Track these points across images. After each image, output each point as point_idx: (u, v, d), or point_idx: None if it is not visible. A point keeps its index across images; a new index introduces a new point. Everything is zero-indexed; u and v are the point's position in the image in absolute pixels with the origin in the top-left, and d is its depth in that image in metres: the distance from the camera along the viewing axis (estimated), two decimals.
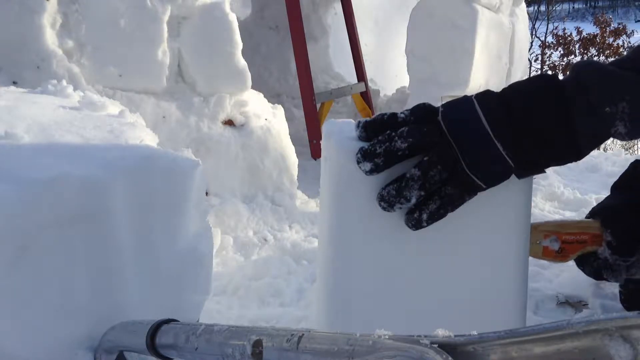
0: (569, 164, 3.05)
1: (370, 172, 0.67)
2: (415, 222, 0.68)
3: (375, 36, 4.72)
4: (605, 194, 2.39)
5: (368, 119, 0.70)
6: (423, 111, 0.70)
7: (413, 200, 0.67)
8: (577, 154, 0.69)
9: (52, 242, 0.63)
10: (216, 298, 1.42)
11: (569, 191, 2.35)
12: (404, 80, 3.42)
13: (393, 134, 0.67)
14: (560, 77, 0.71)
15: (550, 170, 2.66)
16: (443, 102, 0.72)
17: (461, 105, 0.69)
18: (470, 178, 0.67)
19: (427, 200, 0.68)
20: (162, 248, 0.77)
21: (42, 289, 0.63)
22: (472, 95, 0.70)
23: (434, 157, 0.66)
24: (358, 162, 0.67)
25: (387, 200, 0.67)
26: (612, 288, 1.35)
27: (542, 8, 9.79)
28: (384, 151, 0.66)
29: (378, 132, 0.68)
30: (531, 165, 0.69)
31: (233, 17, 2.08)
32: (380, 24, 4.92)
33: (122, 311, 0.70)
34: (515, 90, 0.69)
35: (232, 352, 0.53)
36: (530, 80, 0.70)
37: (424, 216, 0.68)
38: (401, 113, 0.70)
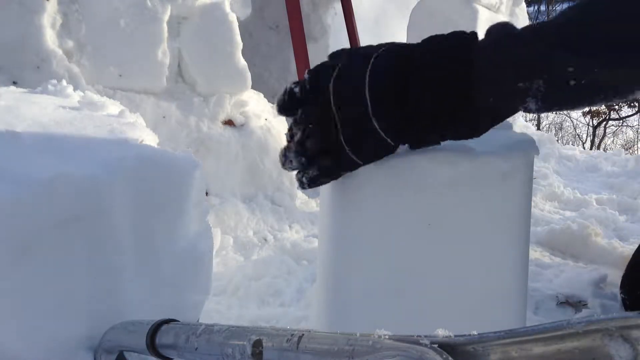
0: (569, 164, 3.03)
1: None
2: (299, 184, 0.70)
3: (375, 36, 4.72)
4: (605, 193, 2.39)
5: (279, 100, 0.68)
6: (318, 77, 0.66)
7: (295, 165, 0.68)
8: (475, 132, 0.64)
9: (52, 242, 0.63)
10: (216, 298, 1.42)
11: (569, 191, 2.35)
12: None
13: (298, 134, 0.66)
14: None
15: (550, 170, 2.66)
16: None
17: (354, 70, 0.63)
18: (346, 152, 0.65)
19: (309, 165, 0.68)
20: (162, 248, 0.77)
21: (42, 289, 0.63)
22: (376, 53, 0.63)
23: (315, 128, 0.65)
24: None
25: (280, 160, 0.69)
26: (612, 288, 1.35)
27: (542, 8, 9.79)
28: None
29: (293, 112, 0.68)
30: (418, 143, 0.65)
31: (233, 17, 2.08)
32: (380, 24, 4.92)
33: (122, 311, 0.70)
34: (419, 53, 0.61)
35: (232, 352, 0.53)
36: (442, 41, 0.62)
37: (305, 179, 0.69)
38: (302, 82, 0.67)
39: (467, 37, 0.61)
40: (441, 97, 0.60)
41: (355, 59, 0.65)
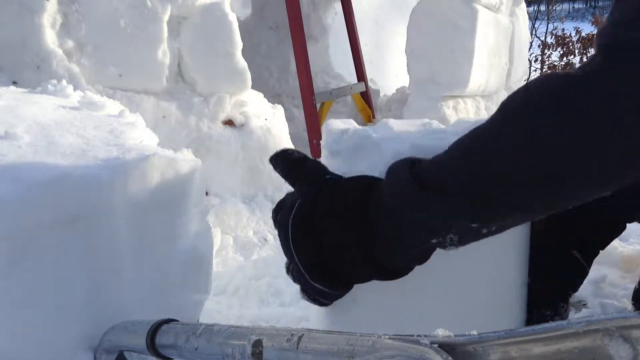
0: None
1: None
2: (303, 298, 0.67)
3: (375, 36, 4.72)
4: None
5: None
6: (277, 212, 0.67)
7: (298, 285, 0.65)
8: (398, 276, 0.63)
9: (52, 242, 0.63)
10: (216, 298, 1.42)
11: None
12: (404, 80, 3.42)
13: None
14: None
15: None
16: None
17: (282, 227, 0.63)
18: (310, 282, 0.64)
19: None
20: (162, 248, 0.77)
21: (42, 289, 0.63)
22: (291, 213, 0.62)
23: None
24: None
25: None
26: (612, 288, 1.35)
27: (542, 8, 9.79)
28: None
29: None
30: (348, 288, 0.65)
31: (233, 17, 2.08)
32: (380, 24, 4.92)
33: (122, 311, 0.70)
34: (327, 215, 0.61)
35: (232, 352, 0.53)
36: (342, 195, 0.61)
37: (305, 297, 0.66)
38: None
39: (366, 189, 0.60)
40: (348, 259, 0.60)
41: (280, 223, 0.64)
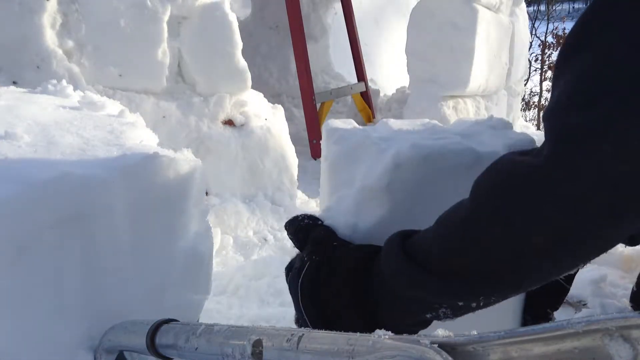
0: None
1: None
2: None
3: (375, 36, 4.73)
4: None
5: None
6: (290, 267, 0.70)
7: None
8: None
9: (52, 242, 0.63)
10: (216, 298, 1.42)
11: None
12: (404, 80, 3.42)
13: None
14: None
15: None
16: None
17: (292, 288, 0.67)
18: None
19: None
20: (162, 248, 0.77)
21: (42, 289, 0.63)
22: (299, 278, 0.66)
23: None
24: None
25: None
26: (612, 288, 1.35)
27: (542, 8, 9.78)
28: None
29: None
30: None
31: (233, 17, 2.08)
32: (380, 24, 4.92)
33: (122, 311, 0.70)
34: (328, 286, 0.65)
35: (232, 352, 0.53)
36: (343, 288, 0.64)
37: None
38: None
39: (367, 259, 0.63)
40: (350, 328, 0.60)
41: (290, 284, 0.67)
